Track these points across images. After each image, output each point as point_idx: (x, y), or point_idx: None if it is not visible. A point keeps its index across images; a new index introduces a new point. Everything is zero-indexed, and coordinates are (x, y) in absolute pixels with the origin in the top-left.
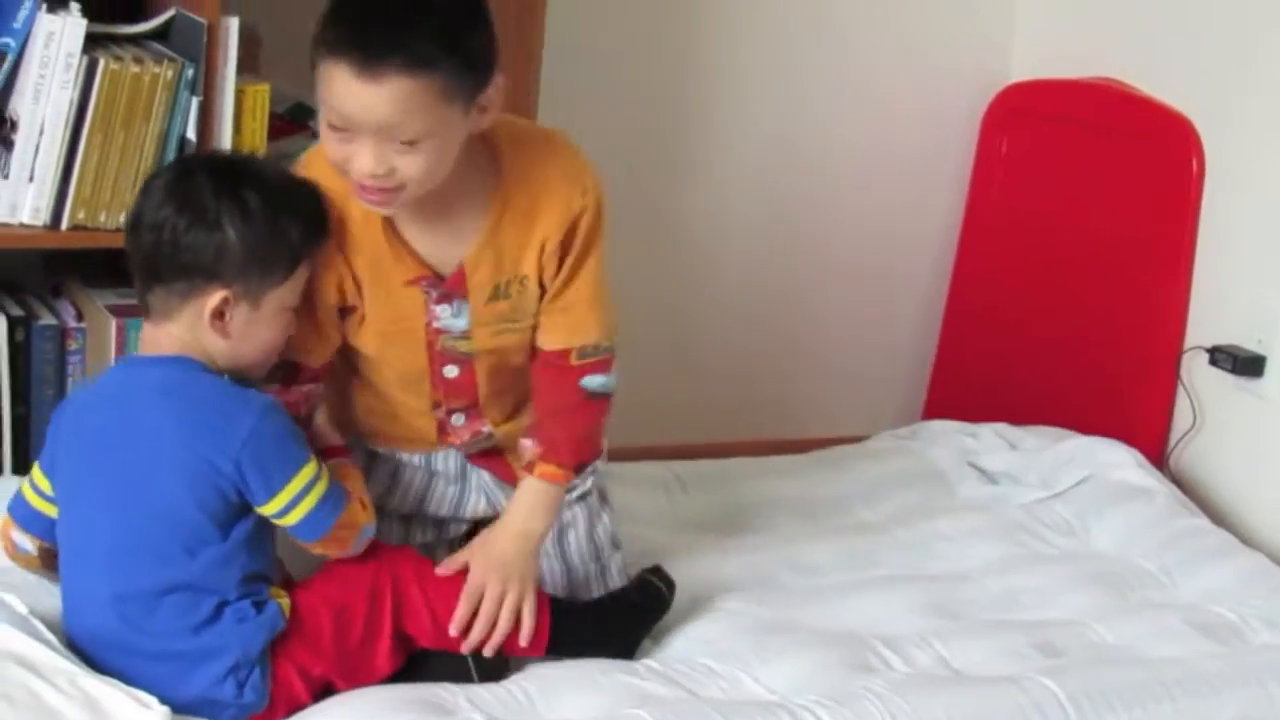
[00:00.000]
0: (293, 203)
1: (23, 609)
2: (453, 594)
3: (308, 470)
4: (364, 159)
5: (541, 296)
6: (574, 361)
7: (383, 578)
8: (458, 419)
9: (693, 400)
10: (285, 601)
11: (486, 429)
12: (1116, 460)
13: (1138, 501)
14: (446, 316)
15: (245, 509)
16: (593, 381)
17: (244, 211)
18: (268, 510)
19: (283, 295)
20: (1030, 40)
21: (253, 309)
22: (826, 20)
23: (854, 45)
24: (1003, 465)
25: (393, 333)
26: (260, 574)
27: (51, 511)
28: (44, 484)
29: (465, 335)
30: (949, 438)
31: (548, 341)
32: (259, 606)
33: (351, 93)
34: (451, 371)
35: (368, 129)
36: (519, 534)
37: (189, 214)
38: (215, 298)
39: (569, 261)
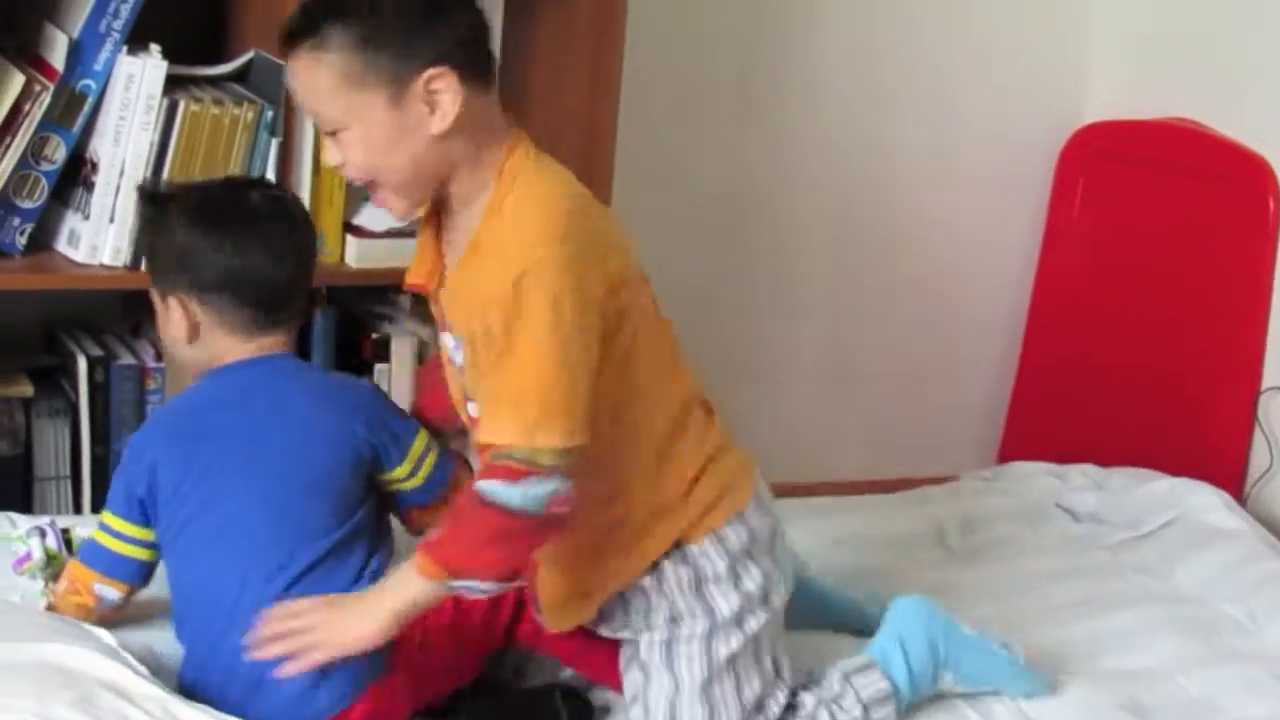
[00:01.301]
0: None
1: (112, 640)
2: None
3: (422, 433)
4: (327, 153)
5: None
6: (486, 458)
7: None
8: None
9: (771, 440)
10: None
11: None
12: (1205, 502)
13: (1224, 544)
14: (450, 347)
15: (368, 490)
16: (490, 487)
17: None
18: (399, 473)
19: None
20: (1106, 80)
21: None
22: (900, 59)
23: (929, 85)
24: (1089, 506)
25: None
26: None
27: (138, 554)
28: (127, 528)
29: (463, 372)
30: (1036, 479)
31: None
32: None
33: (291, 83)
34: (473, 409)
35: (317, 122)
36: (367, 596)
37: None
38: None
39: (496, 342)
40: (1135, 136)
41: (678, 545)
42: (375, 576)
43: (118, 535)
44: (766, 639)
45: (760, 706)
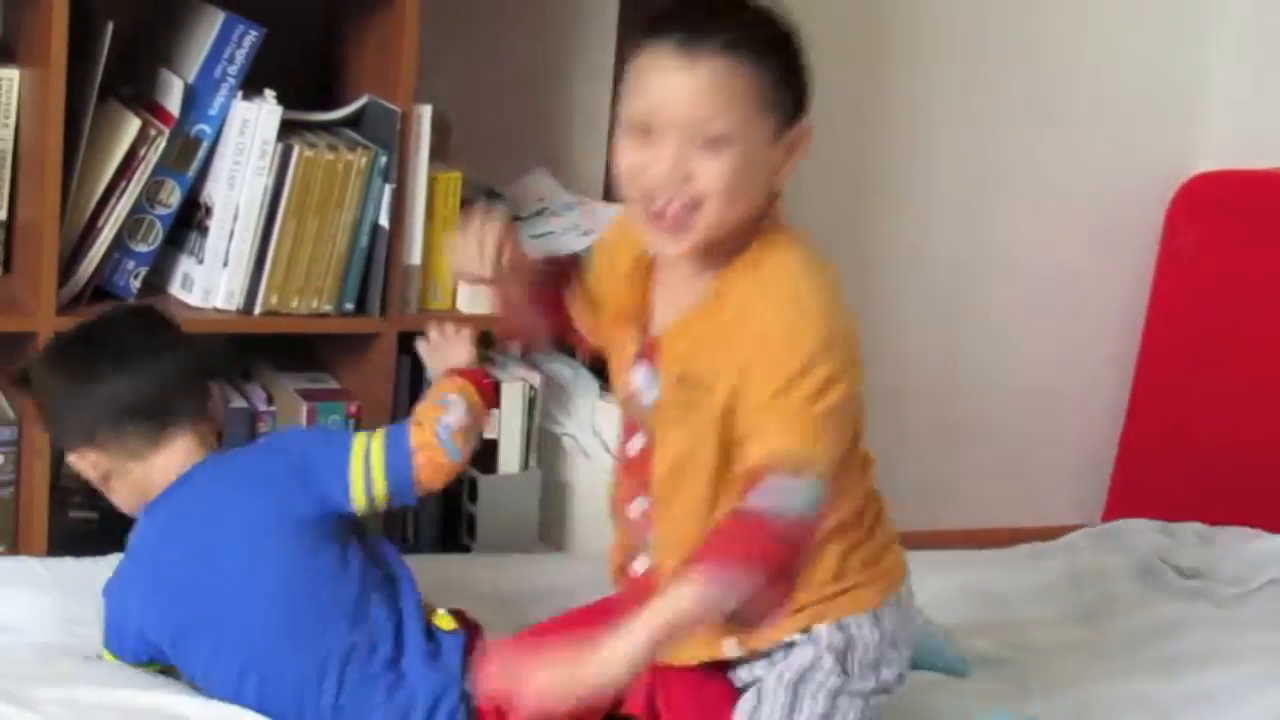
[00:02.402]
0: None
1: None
2: None
3: (357, 439)
4: (662, 162)
5: (723, 417)
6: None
7: None
8: (638, 502)
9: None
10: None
11: (650, 537)
12: None
13: None
14: (639, 382)
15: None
16: (766, 500)
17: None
18: (356, 495)
19: None
20: (1218, 128)
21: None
22: (1002, 104)
23: (1032, 132)
24: (1197, 562)
25: (612, 372)
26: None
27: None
28: (134, 667)
29: (650, 409)
30: (1144, 535)
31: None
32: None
33: (664, 75)
34: (634, 446)
35: (672, 124)
36: (604, 643)
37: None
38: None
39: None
40: (1247, 186)
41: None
42: (417, 607)
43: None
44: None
45: None
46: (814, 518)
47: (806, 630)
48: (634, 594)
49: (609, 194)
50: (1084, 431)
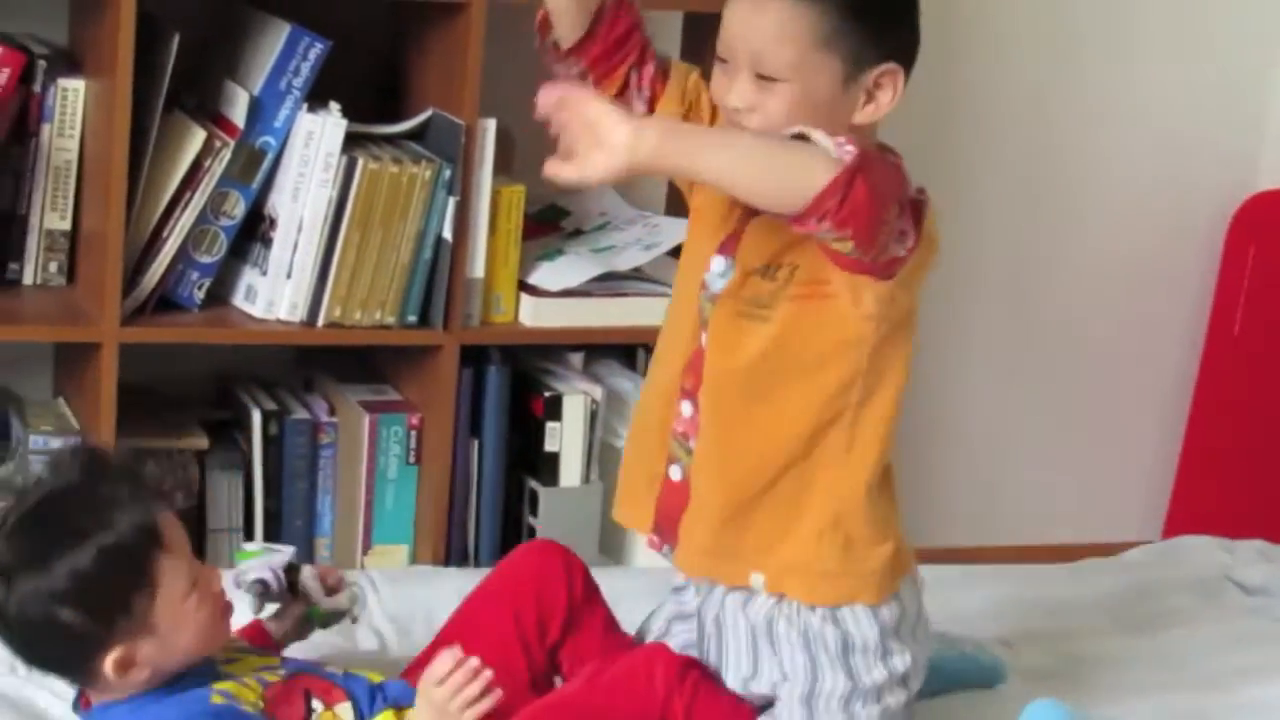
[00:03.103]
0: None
1: None
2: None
3: None
4: (732, 91)
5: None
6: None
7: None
8: (685, 406)
9: (932, 505)
10: None
11: (692, 443)
12: None
13: None
14: (715, 270)
15: None
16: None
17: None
18: None
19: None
20: (1277, 148)
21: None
22: (1061, 123)
23: (1093, 149)
24: (1260, 579)
25: (685, 259)
26: None
27: None
28: None
29: (713, 300)
30: (1205, 553)
31: None
32: None
33: (736, 11)
34: (689, 347)
35: (741, 58)
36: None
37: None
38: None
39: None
40: None
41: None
42: None
43: None
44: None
45: None
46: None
47: (801, 626)
48: (669, 501)
49: (670, 208)
50: (1144, 448)
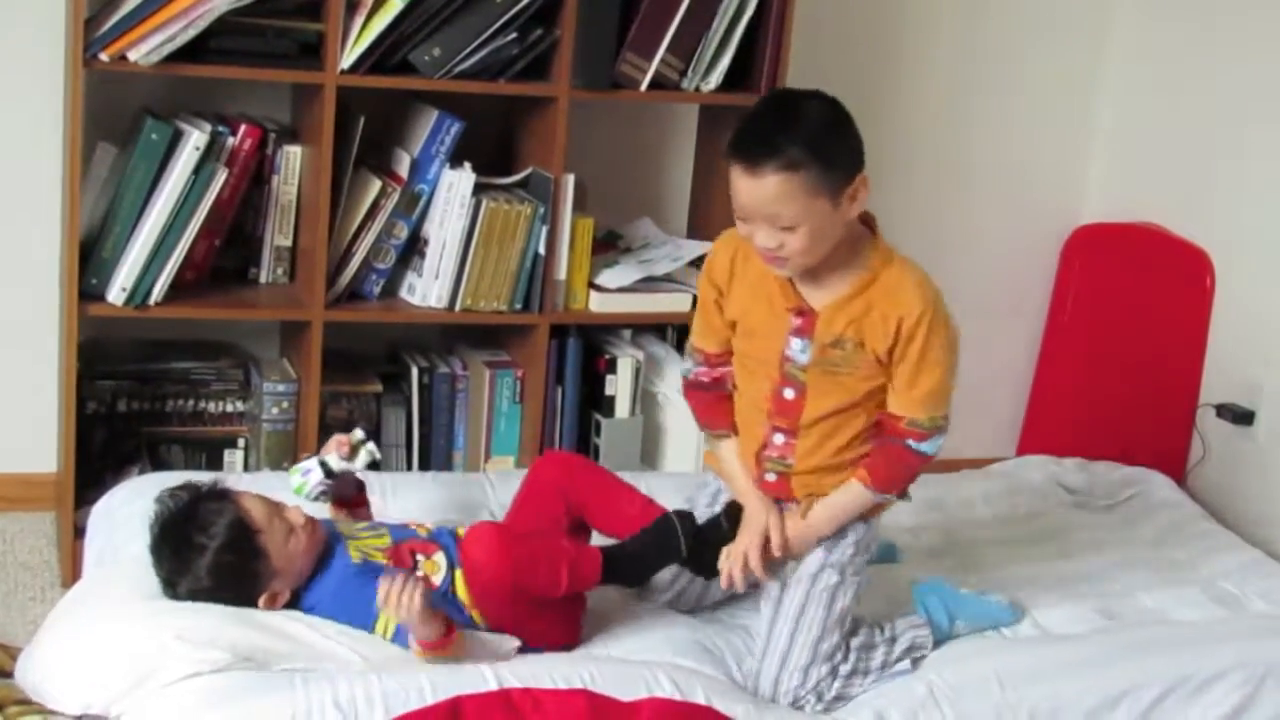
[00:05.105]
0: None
1: None
2: None
3: None
4: (759, 237)
5: (879, 364)
6: (903, 426)
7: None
8: (778, 437)
9: None
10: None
11: (791, 460)
12: (1157, 483)
13: (1170, 511)
14: (795, 349)
15: None
16: (915, 445)
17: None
18: None
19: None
20: (1097, 189)
21: (278, 574)
22: (936, 161)
23: (961, 190)
24: (1079, 483)
25: (758, 350)
26: None
27: None
28: None
29: (804, 368)
30: (1043, 466)
31: (889, 405)
32: None
33: (742, 187)
34: (789, 394)
35: (754, 216)
36: (806, 525)
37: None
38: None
39: (907, 355)
40: (1113, 235)
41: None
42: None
43: None
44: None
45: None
46: (937, 454)
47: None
48: (764, 487)
49: (691, 233)
50: (1005, 394)
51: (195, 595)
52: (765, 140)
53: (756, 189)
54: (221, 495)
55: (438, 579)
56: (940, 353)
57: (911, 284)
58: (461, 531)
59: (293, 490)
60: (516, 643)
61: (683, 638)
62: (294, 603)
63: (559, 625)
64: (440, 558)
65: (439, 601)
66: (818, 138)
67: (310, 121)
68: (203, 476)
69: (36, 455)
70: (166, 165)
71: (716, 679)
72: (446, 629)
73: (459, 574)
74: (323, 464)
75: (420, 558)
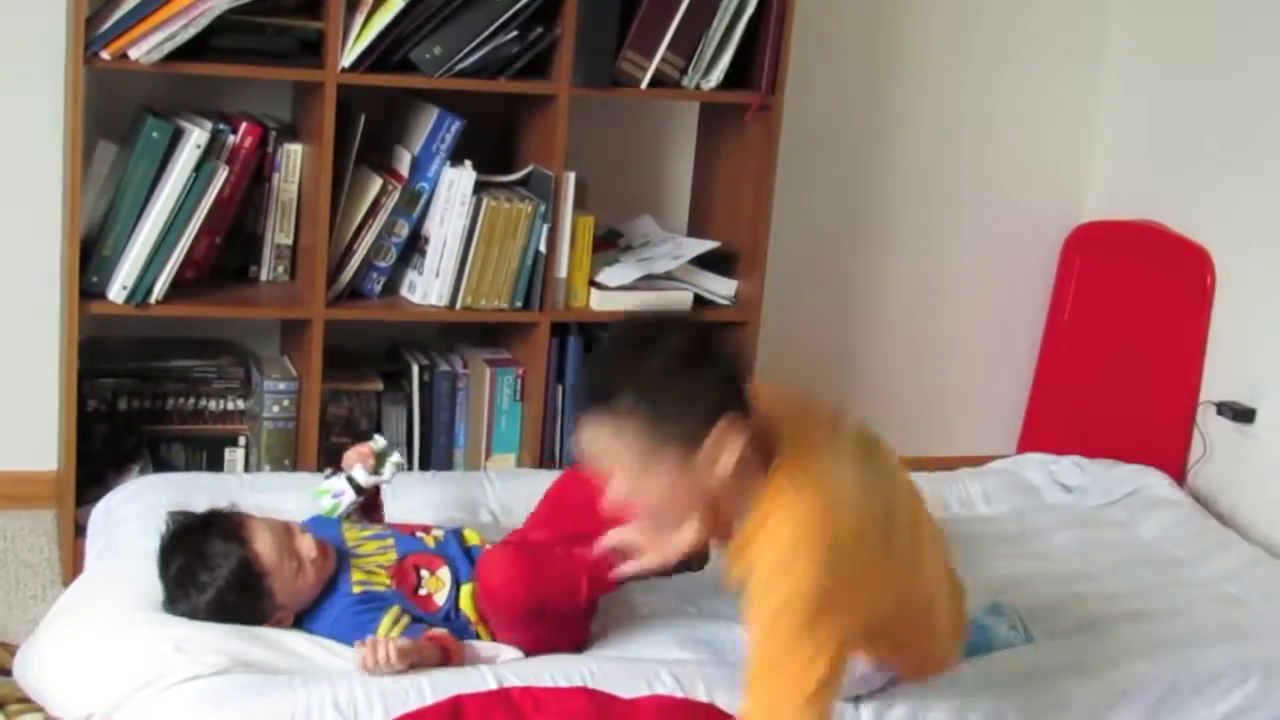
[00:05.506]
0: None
1: None
2: None
3: None
4: (610, 490)
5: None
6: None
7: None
8: None
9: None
10: None
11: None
12: (1155, 481)
13: (1169, 509)
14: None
15: None
16: None
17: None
18: None
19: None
20: (1098, 187)
21: (283, 606)
22: (936, 159)
23: (961, 188)
24: (1077, 481)
25: None
26: None
27: None
28: None
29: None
30: (1041, 464)
31: None
32: None
33: (583, 436)
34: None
35: (604, 467)
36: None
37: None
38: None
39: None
40: (1114, 232)
41: None
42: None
43: None
44: None
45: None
46: None
47: None
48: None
49: (691, 231)
50: (1005, 394)
51: (194, 619)
52: (597, 384)
53: (591, 441)
54: (234, 531)
55: (440, 597)
56: (761, 631)
57: (770, 531)
58: (469, 534)
59: (323, 513)
60: (519, 654)
61: (685, 632)
62: (295, 624)
63: (565, 636)
64: (445, 573)
65: (440, 621)
66: (655, 382)
67: (311, 120)
68: (220, 501)
69: (37, 453)
70: (167, 163)
71: (719, 674)
72: (443, 656)
73: (465, 589)
74: (352, 482)
75: (425, 574)
